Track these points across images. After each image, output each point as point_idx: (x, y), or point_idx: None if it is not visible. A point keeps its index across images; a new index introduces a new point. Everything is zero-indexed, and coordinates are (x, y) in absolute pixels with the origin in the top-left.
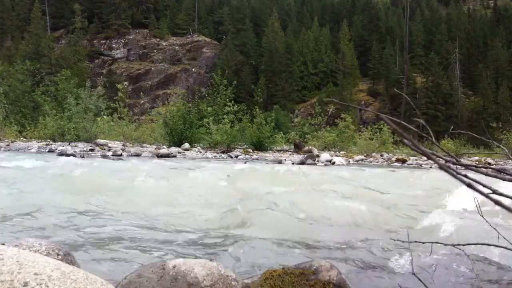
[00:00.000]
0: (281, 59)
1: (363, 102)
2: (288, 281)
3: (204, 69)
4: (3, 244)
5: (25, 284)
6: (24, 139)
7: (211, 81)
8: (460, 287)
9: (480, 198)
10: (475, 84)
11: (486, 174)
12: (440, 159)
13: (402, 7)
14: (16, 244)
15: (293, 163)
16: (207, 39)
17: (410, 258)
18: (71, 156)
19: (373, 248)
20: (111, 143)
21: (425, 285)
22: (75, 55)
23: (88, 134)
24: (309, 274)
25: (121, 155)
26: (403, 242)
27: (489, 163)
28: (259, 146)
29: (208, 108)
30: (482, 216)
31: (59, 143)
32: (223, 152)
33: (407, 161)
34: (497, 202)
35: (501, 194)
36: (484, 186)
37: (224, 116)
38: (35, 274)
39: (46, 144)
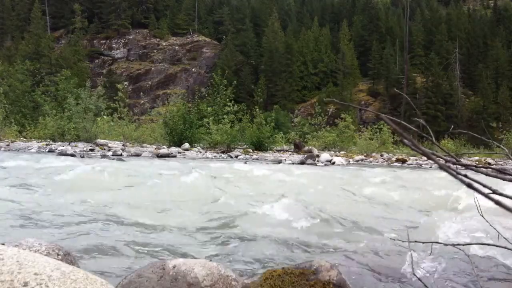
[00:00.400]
0: (281, 59)
1: (363, 102)
2: (288, 281)
3: (204, 69)
4: (3, 244)
5: (25, 284)
6: (24, 139)
7: (211, 81)
8: None
9: (480, 198)
10: (475, 84)
11: (486, 174)
12: (440, 159)
13: (402, 7)
14: (16, 244)
15: (293, 163)
16: (207, 39)
17: (410, 258)
18: (71, 156)
19: (373, 248)
20: (111, 143)
21: (425, 285)
22: (75, 55)
23: (88, 134)
24: (309, 274)
25: (121, 155)
26: (403, 242)
27: (489, 163)
28: (259, 146)
29: (208, 108)
30: (482, 216)
31: (59, 143)
32: (223, 152)
33: (407, 161)
34: (497, 202)
35: (501, 194)
36: (484, 186)
37: (224, 116)
38: (35, 274)
39: (46, 144)
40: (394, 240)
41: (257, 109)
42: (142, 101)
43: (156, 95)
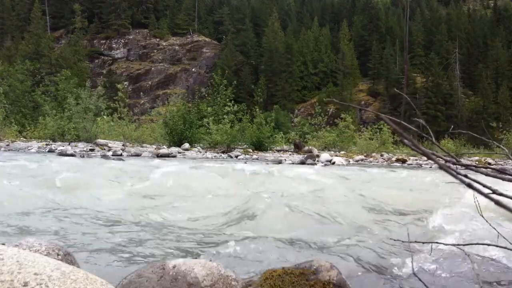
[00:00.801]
0: (281, 59)
1: (363, 102)
2: (288, 281)
3: (204, 69)
4: (3, 244)
5: (25, 284)
6: (24, 139)
7: (211, 81)
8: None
9: (480, 198)
10: (475, 84)
11: (486, 174)
12: (440, 159)
13: (402, 7)
14: (16, 244)
15: (293, 163)
16: (207, 39)
17: (411, 258)
18: (71, 156)
19: (373, 248)
20: (111, 143)
21: (425, 285)
22: (75, 55)
23: (88, 134)
24: (309, 274)
25: (121, 155)
26: (403, 242)
27: (489, 163)
28: (259, 146)
29: (208, 108)
30: (482, 216)
31: (59, 143)
32: (223, 152)
33: (407, 161)
34: (497, 202)
35: (501, 194)
36: (484, 186)
37: (224, 116)
38: (35, 274)
39: (46, 144)
40: (394, 240)
41: (257, 109)
42: (142, 101)
43: (156, 95)
